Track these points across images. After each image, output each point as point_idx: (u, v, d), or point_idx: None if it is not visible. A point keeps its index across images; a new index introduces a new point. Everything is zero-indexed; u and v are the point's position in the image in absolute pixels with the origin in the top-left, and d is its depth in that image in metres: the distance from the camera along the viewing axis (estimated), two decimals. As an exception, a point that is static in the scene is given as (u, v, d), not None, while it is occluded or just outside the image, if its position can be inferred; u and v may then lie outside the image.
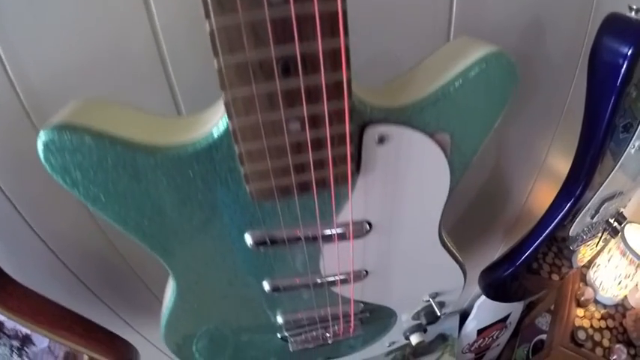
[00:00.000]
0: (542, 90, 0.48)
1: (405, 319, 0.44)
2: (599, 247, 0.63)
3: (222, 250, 0.28)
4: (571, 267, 0.63)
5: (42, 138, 0.20)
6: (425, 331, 0.48)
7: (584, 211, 0.44)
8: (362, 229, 0.28)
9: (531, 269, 0.57)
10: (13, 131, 0.34)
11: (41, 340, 0.41)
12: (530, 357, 0.88)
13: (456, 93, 0.23)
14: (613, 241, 0.72)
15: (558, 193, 0.44)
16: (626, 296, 0.74)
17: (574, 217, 0.44)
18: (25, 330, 0.40)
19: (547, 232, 0.45)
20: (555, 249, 0.54)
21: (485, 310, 0.85)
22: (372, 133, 0.23)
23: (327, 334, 0.39)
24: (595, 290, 0.73)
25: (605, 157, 0.39)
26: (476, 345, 0.93)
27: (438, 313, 0.41)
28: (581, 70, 0.47)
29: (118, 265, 0.49)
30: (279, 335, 0.38)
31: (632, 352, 0.68)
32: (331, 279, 0.32)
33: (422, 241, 0.32)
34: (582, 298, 0.72)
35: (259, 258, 0.29)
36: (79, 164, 0.21)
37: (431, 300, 0.40)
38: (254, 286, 0.31)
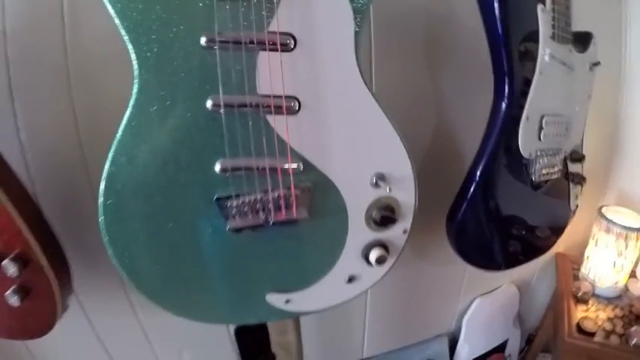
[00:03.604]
0: (466, 49, 0.56)
1: (357, 223, 0.41)
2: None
3: (183, 54, 0.32)
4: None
5: None
6: (386, 249, 0.43)
7: (523, 119, 0.47)
8: (290, 41, 0.34)
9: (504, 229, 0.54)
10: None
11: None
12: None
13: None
14: (595, 227, 0.69)
15: (492, 105, 0.47)
16: (627, 286, 0.66)
17: (515, 126, 0.47)
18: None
19: (491, 143, 0.47)
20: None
21: (476, 330, 0.73)
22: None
23: (268, 204, 0.37)
24: (592, 284, 0.65)
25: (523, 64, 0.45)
26: (474, 384, 0.75)
27: (387, 192, 0.39)
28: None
29: (83, 189, 0.48)
30: (216, 196, 0.36)
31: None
32: (266, 101, 0.34)
33: (343, 72, 0.36)
34: (580, 294, 0.64)
35: (207, 66, 0.33)
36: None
37: (378, 181, 0.39)
38: (199, 103, 0.33)
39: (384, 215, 0.41)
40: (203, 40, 0.32)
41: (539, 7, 0.45)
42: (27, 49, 0.42)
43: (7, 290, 0.38)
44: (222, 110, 0.34)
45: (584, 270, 0.69)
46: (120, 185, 0.34)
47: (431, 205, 0.57)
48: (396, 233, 0.44)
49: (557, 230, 0.61)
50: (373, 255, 0.42)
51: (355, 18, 0.35)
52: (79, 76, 0.44)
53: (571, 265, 0.74)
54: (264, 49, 0.33)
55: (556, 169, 0.53)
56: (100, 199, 0.34)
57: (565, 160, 0.55)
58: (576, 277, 0.70)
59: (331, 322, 0.75)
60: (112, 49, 0.38)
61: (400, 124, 0.40)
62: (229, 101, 0.34)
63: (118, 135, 0.33)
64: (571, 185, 0.57)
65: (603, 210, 0.67)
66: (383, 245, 0.44)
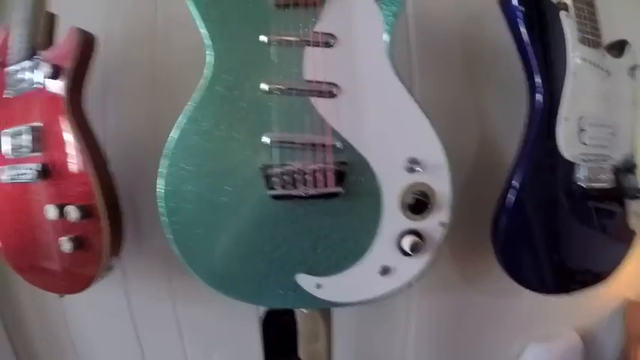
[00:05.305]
0: (504, 62, 0.57)
1: (391, 207, 0.42)
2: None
3: (246, 48, 0.41)
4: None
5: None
6: (419, 235, 0.42)
7: (560, 119, 0.47)
8: (331, 40, 0.41)
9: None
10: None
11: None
12: None
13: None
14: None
15: (527, 110, 0.49)
16: None
17: (553, 132, 0.47)
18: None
19: (528, 147, 0.48)
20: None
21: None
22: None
23: (306, 175, 0.40)
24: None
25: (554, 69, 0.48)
26: None
27: (419, 171, 0.41)
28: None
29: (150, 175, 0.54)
30: (261, 164, 0.40)
31: None
32: (310, 86, 0.40)
33: (377, 66, 0.41)
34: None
35: (265, 57, 0.41)
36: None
37: (411, 165, 0.41)
38: (255, 85, 0.41)
39: (418, 199, 0.42)
40: (263, 38, 0.41)
41: (562, 13, 0.48)
42: (121, 53, 0.54)
43: (62, 236, 0.43)
44: (274, 91, 0.40)
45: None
46: (183, 147, 0.40)
47: (481, 225, 0.55)
48: (432, 224, 0.43)
49: (617, 254, 0.55)
50: (407, 241, 0.42)
51: (386, 21, 0.41)
52: (163, 72, 0.55)
53: (645, 309, 0.64)
54: (309, 45, 0.41)
55: (605, 177, 0.50)
56: (165, 158, 0.40)
57: (617, 171, 0.52)
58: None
59: (369, 352, 0.70)
60: (192, 59, 0.48)
61: (444, 136, 0.42)
62: (280, 84, 0.40)
63: (189, 107, 0.40)
64: (627, 200, 0.52)
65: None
66: (418, 235, 0.44)
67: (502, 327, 0.70)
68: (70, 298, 0.56)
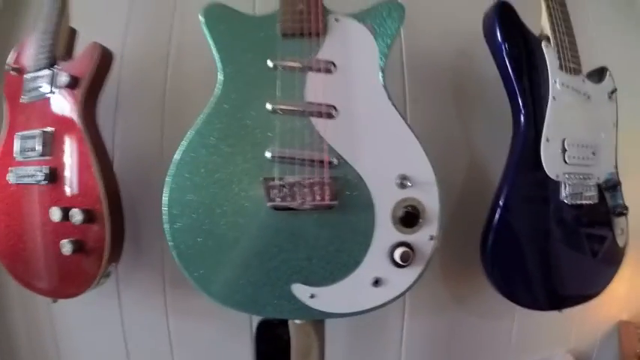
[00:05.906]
0: (491, 92, 0.61)
1: (383, 221, 0.45)
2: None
3: (254, 71, 0.45)
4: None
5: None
6: (410, 248, 0.44)
7: (543, 140, 0.51)
8: (331, 66, 0.45)
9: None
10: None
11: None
12: None
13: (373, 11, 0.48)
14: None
15: (512, 134, 0.53)
16: None
17: (537, 153, 0.50)
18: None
19: (512, 167, 0.51)
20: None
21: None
22: (331, 17, 0.47)
23: (304, 189, 0.42)
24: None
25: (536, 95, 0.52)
26: None
27: (409, 185, 0.44)
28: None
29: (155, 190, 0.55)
30: (263, 177, 0.43)
31: None
32: (311, 108, 0.44)
33: (372, 91, 0.45)
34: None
35: (270, 80, 0.45)
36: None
37: (402, 181, 0.44)
38: (260, 105, 0.44)
39: (408, 212, 0.44)
40: (270, 63, 0.45)
41: (544, 42, 0.53)
42: (136, 73, 0.58)
43: (63, 239, 0.44)
44: (278, 111, 0.44)
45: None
46: (190, 158, 0.43)
47: (472, 246, 0.56)
48: (422, 238, 0.46)
49: (606, 270, 0.56)
50: (398, 252, 0.44)
51: (380, 52, 0.46)
52: (173, 94, 0.59)
53: (635, 330, 0.65)
54: (312, 71, 0.45)
55: (589, 194, 0.53)
56: (172, 168, 0.43)
57: (601, 188, 0.55)
58: (642, 340, 0.61)
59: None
60: (201, 84, 0.51)
61: (435, 161, 0.45)
62: (284, 104, 0.44)
63: (198, 122, 0.43)
64: (613, 218, 0.55)
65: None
66: (410, 247, 0.45)
67: (495, 348, 0.70)
68: (60, 307, 0.56)
